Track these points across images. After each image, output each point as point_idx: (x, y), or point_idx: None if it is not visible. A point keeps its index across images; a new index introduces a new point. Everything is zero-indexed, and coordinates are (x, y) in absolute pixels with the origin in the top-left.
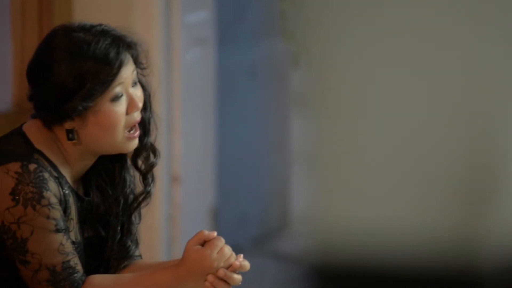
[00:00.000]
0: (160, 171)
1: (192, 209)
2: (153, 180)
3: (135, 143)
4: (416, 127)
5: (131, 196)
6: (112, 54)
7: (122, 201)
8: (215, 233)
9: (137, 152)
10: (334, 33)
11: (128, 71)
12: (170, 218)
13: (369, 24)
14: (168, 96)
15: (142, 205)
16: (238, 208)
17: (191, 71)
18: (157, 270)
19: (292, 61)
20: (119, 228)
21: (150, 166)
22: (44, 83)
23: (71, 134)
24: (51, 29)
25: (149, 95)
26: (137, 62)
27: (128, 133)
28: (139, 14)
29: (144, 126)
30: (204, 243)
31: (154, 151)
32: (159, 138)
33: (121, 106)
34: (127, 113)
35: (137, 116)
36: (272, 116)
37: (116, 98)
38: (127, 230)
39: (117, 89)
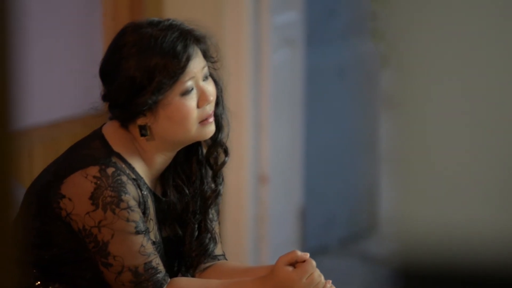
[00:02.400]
0: (247, 172)
1: (279, 210)
2: (223, 179)
3: (211, 128)
4: (506, 129)
5: (209, 192)
6: (179, 47)
7: (199, 198)
8: (308, 255)
9: (210, 149)
10: (424, 34)
11: (197, 65)
12: (258, 218)
13: (458, 24)
14: (256, 97)
15: (214, 203)
16: (325, 209)
17: (280, 72)
18: (244, 281)
19: (381, 61)
20: (196, 226)
21: (221, 164)
22: (115, 80)
23: (143, 130)
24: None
25: (221, 90)
26: (207, 56)
27: (201, 121)
28: (228, 16)
29: (216, 121)
30: (295, 263)
31: (226, 150)
32: (247, 138)
33: (192, 99)
34: (198, 106)
35: (209, 109)
36: (360, 116)
37: (186, 92)
38: (204, 227)
39: (188, 84)
